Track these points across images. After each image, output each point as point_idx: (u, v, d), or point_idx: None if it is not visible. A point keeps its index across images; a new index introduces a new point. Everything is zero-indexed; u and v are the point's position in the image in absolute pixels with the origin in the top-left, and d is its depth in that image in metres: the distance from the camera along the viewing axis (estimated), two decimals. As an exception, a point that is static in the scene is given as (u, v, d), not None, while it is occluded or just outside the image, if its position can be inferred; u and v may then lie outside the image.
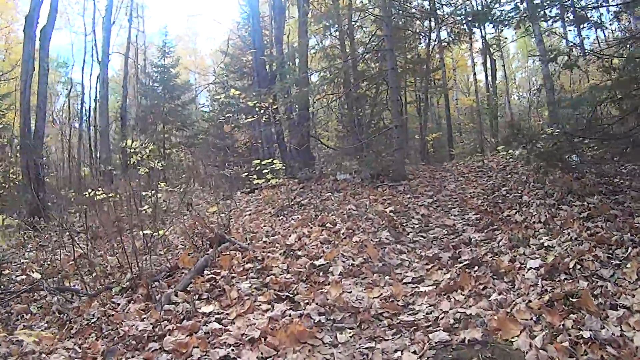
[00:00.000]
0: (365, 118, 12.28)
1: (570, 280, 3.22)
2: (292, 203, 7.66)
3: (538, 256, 3.75)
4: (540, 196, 5.46)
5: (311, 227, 5.63)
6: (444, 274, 3.87)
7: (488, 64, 16.16)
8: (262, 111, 11.75)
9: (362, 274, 4.05)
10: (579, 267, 3.37)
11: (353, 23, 12.57)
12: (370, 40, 12.04)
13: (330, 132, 18.59)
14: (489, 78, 16.23)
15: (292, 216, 6.79)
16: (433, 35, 13.76)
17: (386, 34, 9.23)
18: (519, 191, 6.04)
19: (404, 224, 5.53)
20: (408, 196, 7.18)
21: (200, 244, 5.10)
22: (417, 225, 5.53)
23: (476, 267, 3.84)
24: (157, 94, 18.48)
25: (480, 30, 14.34)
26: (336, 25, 12.20)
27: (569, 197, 5.09)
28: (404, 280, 3.89)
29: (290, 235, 5.39)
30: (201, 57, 30.85)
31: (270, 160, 9.38)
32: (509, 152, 10.07)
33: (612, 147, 7.28)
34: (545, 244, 3.94)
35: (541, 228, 4.39)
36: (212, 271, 4.16)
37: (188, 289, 3.85)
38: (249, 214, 7.76)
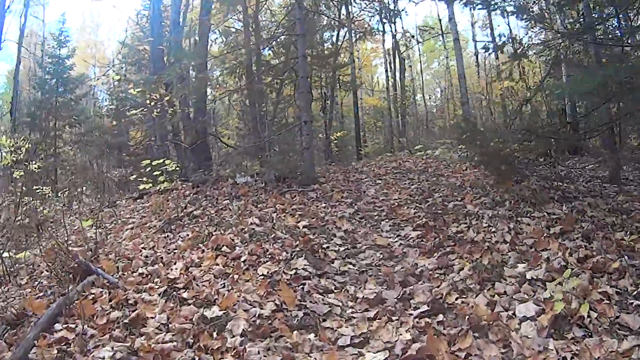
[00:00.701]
0: (269, 114, 10.91)
1: (592, 339, 2.14)
2: (182, 214, 5.95)
3: (526, 296, 2.64)
4: (488, 205, 4.48)
5: (203, 251, 4.08)
6: (397, 328, 2.58)
7: (397, 64, 15.76)
8: (152, 104, 9.83)
9: (276, 332, 2.62)
10: (595, 314, 2.31)
11: (261, 3, 11.13)
12: (279, 25, 10.63)
13: (230, 130, 17.03)
14: (397, 78, 15.84)
15: (180, 233, 5.12)
16: (343, 31, 12.95)
17: (298, 17, 7.91)
18: (458, 199, 5.02)
19: (325, 246, 4.12)
20: (323, 205, 5.88)
21: (63, 276, 3.50)
22: (342, 248, 4.15)
23: (441, 316, 2.62)
24: (50, 86, 16.38)
25: (391, 28, 13.83)
26: (240, 9, 10.66)
27: (524, 207, 4.18)
28: (339, 342, 2.53)
29: (175, 263, 3.81)
30: (102, 50, 27.35)
31: (162, 161, 8.01)
32: (426, 152, 9.44)
33: (538, 148, 6.74)
34: (527, 276, 2.84)
35: (510, 250, 3.32)
36: (66, 325, 2.68)
37: (30, 355, 2.39)
38: (131, 228, 5.90)
